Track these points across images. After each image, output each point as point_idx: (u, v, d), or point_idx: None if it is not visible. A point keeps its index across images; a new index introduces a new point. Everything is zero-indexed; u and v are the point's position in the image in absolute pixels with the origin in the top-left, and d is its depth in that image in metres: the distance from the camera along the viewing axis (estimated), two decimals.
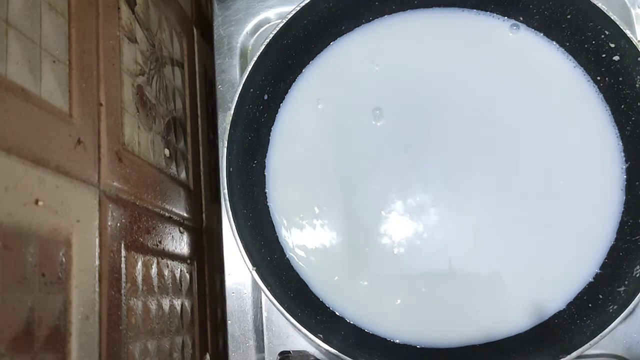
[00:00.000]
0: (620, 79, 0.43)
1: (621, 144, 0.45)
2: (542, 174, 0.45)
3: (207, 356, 0.50)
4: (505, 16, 0.48)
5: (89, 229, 0.33)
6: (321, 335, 0.39)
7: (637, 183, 0.43)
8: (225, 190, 0.42)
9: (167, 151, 0.46)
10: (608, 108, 0.45)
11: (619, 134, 0.44)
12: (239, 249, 0.41)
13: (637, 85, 0.42)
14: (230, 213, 0.42)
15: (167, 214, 0.45)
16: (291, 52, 0.47)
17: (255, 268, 0.41)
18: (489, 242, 0.44)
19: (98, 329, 0.32)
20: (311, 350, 0.46)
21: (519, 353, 0.42)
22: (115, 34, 0.38)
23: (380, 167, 0.46)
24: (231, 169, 0.43)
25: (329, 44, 0.49)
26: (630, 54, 0.42)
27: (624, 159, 0.44)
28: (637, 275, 0.40)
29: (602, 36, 0.43)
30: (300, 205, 0.47)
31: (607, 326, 0.38)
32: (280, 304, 0.40)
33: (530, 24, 0.47)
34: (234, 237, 0.41)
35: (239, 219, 0.42)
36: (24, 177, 0.27)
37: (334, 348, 0.39)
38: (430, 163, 0.46)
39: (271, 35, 0.44)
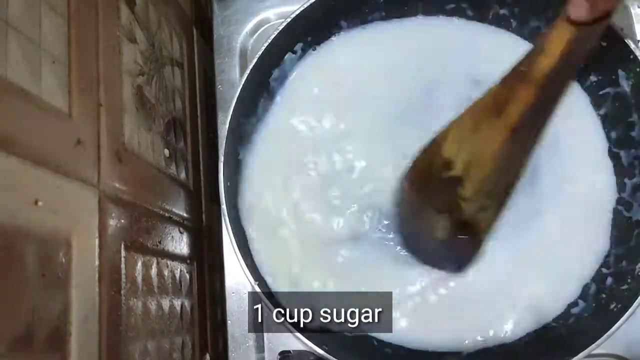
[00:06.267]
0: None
1: (614, 143, 0.45)
2: (542, 172, 0.45)
3: (207, 356, 0.50)
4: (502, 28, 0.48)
5: (89, 229, 0.33)
6: (326, 347, 0.39)
7: (636, 180, 0.43)
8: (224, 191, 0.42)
9: (166, 151, 0.46)
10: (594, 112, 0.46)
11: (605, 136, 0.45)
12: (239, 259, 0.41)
13: (622, 84, 0.43)
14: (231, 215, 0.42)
15: (167, 214, 0.45)
16: (291, 53, 0.47)
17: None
18: (490, 242, 0.44)
19: (98, 329, 0.32)
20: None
21: (523, 355, 0.42)
22: (115, 34, 0.38)
23: (381, 167, 0.46)
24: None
25: (330, 44, 0.49)
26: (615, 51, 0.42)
27: (622, 158, 0.44)
28: (639, 274, 0.40)
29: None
30: (300, 206, 0.47)
31: (612, 325, 0.38)
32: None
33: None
34: (231, 241, 0.41)
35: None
36: (24, 177, 0.27)
37: (337, 358, 0.39)
38: None
39: (272, 36, 0.44)
